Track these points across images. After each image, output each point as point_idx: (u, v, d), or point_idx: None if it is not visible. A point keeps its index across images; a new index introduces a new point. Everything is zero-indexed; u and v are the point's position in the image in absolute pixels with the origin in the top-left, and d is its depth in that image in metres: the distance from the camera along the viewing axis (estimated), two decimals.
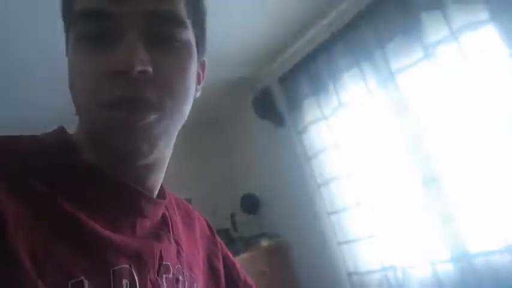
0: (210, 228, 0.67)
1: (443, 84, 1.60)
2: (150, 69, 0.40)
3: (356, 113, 1.98)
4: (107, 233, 0.41)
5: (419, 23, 1.64)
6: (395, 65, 1.77)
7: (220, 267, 0.63)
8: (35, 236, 0.35)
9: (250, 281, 0.66)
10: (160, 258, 0.46)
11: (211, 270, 0.62)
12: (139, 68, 0.38)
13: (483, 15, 1.48)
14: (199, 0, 0.48)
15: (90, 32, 0.41)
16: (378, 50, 1.82)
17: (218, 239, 0.67)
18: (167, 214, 0.54)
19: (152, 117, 0.41)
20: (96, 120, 0.41)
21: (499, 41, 1.45)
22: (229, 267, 0.65)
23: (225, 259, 0.65)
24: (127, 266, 0.41)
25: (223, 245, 0.67)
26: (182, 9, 0.43)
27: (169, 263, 0.47)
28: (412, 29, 1.67)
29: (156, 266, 0.45)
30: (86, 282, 0.36)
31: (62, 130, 0.48)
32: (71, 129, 0.48)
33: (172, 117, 0.43)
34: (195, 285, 0.53)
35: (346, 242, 2.04)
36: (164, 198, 0.53)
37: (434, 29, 1.60)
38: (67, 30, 0.45)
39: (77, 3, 0.42)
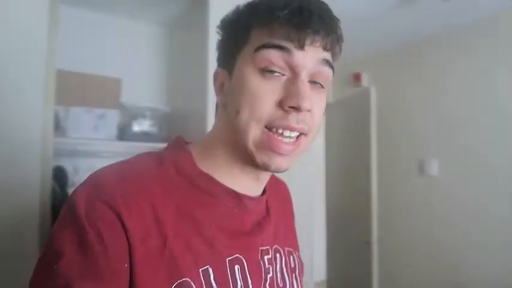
0: (289, 196, 0.82)
1: None
2: (311, 108, 0.53)
3: None
4: (221, 234, 0.54)
5: None
6: None
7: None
8: (185, 237, 0.51)
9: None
10: (261, 244, 0.60)
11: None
12: (307, 108, 0.51)
13: None
14: (340, 41, 0.56)
15: (271, 62, 0.52)
16: None
17: (292, 205, 0.82)
18: (268, 202, 0.66)
19: (301, 142, 0.55)
20: (257, 134, 0.53)
21: None
22: None
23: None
24: (238, 255, 0.54)
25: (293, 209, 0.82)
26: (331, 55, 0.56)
27: (268, 247, 0.61)
28: None
29: (259, 252, 0.59)
30: (210, 269, 0.51)
31: (183, 144, 0.61)
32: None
33: (311, 142, 0.58)
34: (291, 257, 0.67)
35: None
36: (265, 192, 0.65)
37: None
38: (235, 52, 0.56)
39: (260, 35, 0.53)
